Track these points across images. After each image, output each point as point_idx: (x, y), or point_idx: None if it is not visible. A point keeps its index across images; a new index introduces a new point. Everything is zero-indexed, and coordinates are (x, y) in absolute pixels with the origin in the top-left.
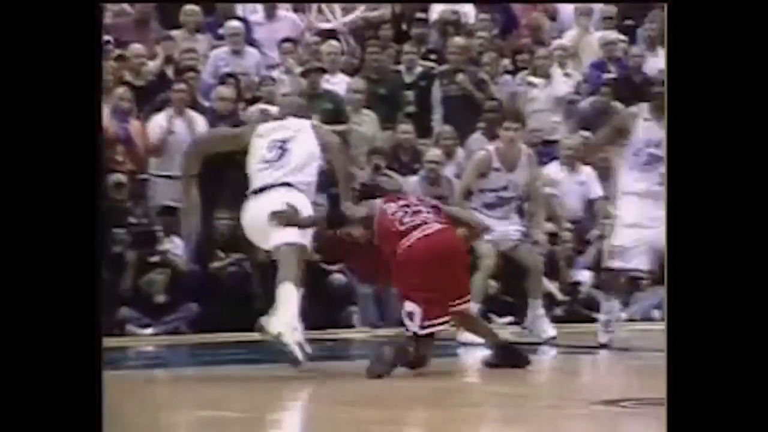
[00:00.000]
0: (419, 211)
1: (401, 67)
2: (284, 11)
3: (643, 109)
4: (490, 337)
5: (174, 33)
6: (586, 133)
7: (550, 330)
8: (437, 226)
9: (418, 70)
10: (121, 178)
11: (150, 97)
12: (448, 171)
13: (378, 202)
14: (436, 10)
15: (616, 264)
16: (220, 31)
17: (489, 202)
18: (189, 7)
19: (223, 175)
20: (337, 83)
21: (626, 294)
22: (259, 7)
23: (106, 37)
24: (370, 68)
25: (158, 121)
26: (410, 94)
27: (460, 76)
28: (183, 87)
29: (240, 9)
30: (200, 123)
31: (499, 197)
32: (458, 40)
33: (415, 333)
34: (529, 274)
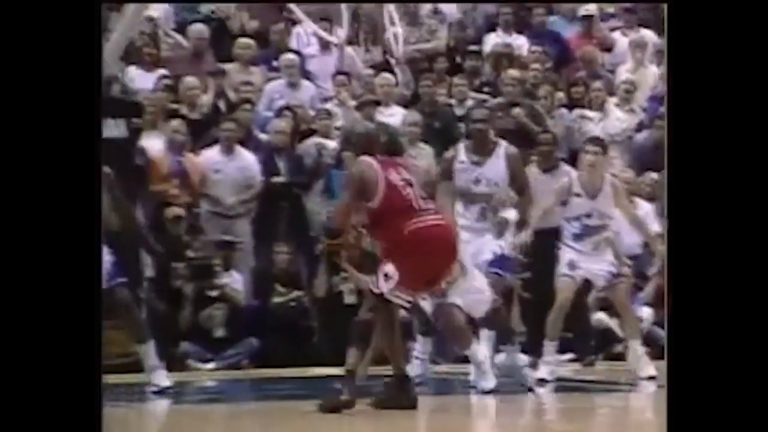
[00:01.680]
0: (425, 198)
1: (453, 100)
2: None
3: None
4: (396, 362)
5: (228, 66)
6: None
7: (651, 369)
8: (447, 220)
9: (470, 102)
10: (178, 211)
11: (204, 130)
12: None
13: (370, 162)
14: (489, 43)
15: None
16: (275, 63)
17: (576, 232)
18: (243, 40)
19: (280, 210)
20: (392, 116)
21: None
22: (314, 39)
23: (162, 71)
24: (424, 101)
25: (207, 158)
26: (462, 127)
27: (516, 110)
28: (231, 126)
29: (294, 42)
30: (250, 161)
31: (584, 226)
32: (513, 72)
33: (382, 295)
34: (623, 316)
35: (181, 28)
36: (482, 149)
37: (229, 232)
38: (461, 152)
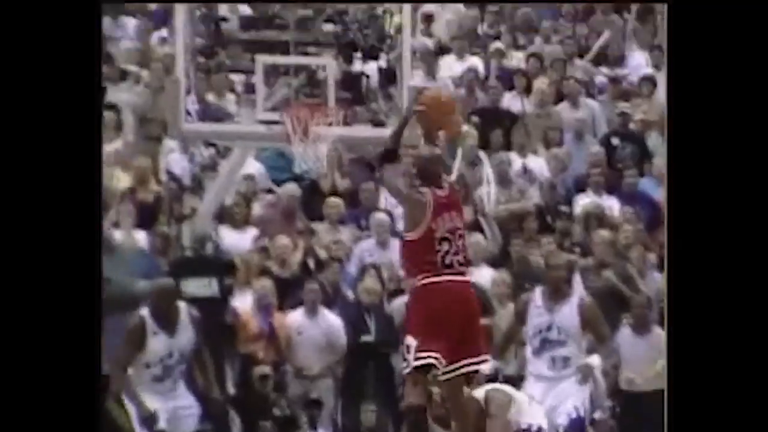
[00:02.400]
0: (458, 250)
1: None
2: None
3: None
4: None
5: (317, 225)
6: None
7: None
8: (466, 277)
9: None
10: (266, 370)
11: (294, 289)
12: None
13: (428, 196)
14: (579, 204)
15: None
16: (364, 222)
17: None
18: (332, 199)
19: (367, 369)
20: (481, 276)
21: None
22: None
23: (253, 231)
24: (514, 260)
25: (292, 320)
26: None
27: (606, 271)
28: (315, 287)
29: (383, 201)
30: (334, 323)
31: None
32: (603, 233)
33: (412, 367)
34: None
35: (273, 188)
36: (557, 295)
37: (314, 390)
38: (537, 297)
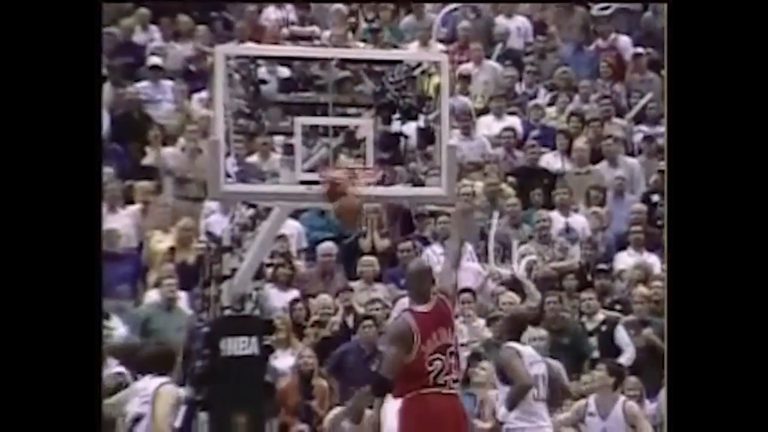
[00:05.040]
0: (451, 368)
1: (583, 318)
2: (468, 261)
3: None
4: None
5: (354, 284)
6: None
7: None
8: (453, 390)
9: (600, 317)
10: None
11: (334, 348)
12: None
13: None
14: (620, 261)
15: None
16: (402, 281)
17: None
18: (366, 258)
19: None
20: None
21: None
22: (442, 258)
23: (295, 293)
24: (549, 317)
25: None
26: (593, 341)
27: (646, 330)
28: None
29: (423, 259)
30: None
31: None
32: (642, 290)
33: None
34: None
35: (312, 247)
36: (606, 405)
37: None
38: (592, 404)
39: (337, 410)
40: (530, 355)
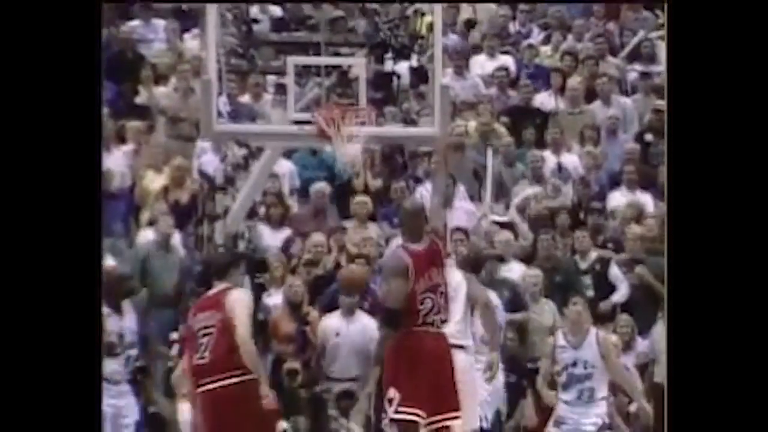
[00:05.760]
0: (441, 308)
1: (576, 256)
2: (460, 201)
3: None
4: None
5: (347, 223)
6: None
7: None
8: (442, 330)
9: (593, 255)
10: (295, 365)
11: (327, 287)
12: (628, 360)
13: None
14: (613, 200)
15: None
16: (395, 220)
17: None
18: (359, 197)
19: None
20: (512, 271)
21: None
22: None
23: (287, 230)
24: (542, 255)
25: (328, 323)
26: (587, 280)
27: (639, 267)
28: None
29: (417, 198)
30: (369, 324)
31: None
32: (635, 229)
33: (390, 419)
34: None
35: (305, 187)
36: (577, 336)
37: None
38: (560, 338)
39: None
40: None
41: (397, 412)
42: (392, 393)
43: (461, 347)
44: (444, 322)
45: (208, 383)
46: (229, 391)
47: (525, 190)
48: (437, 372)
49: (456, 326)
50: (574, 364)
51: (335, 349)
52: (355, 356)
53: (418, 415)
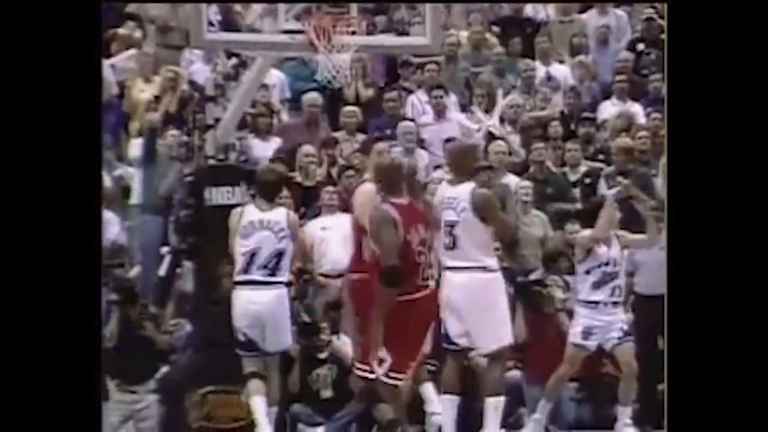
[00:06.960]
0: (431, 263)
1: (566, 168)
2: (453, 112)
3: None
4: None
5: (338, 134)
6: None
7: None
8: (432, 288)
9: (583, 168)
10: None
11: (317, 198)
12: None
13: (391, 211)
14: (604, 111)
15: None
16: (388, 131)
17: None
18: (348, 108)
19: None
20: (505, 182)
21: None
22: (428, 108)
23: (278, 140)
24: (535, 167)
25: (313, 223)
26: (576, 192)
27: (625, 179)
28: (333, 192)
29: (409, 110)
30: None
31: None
32: (621, 140)
33: (378, 379)
34: (624, 376)
35: (296, 97)
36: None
37: (337, 293)
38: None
39: None
40: None
41: (387, 375)
42: (384, 354)
43: (484, 268)
44: (432, 277)
45: None
46: None
47: (504, 99)
48: (424, 334)
49: (478, 249)
50: (607, 263)
51: (323, 244)
52: (343, 246)
53: (402, 380)
